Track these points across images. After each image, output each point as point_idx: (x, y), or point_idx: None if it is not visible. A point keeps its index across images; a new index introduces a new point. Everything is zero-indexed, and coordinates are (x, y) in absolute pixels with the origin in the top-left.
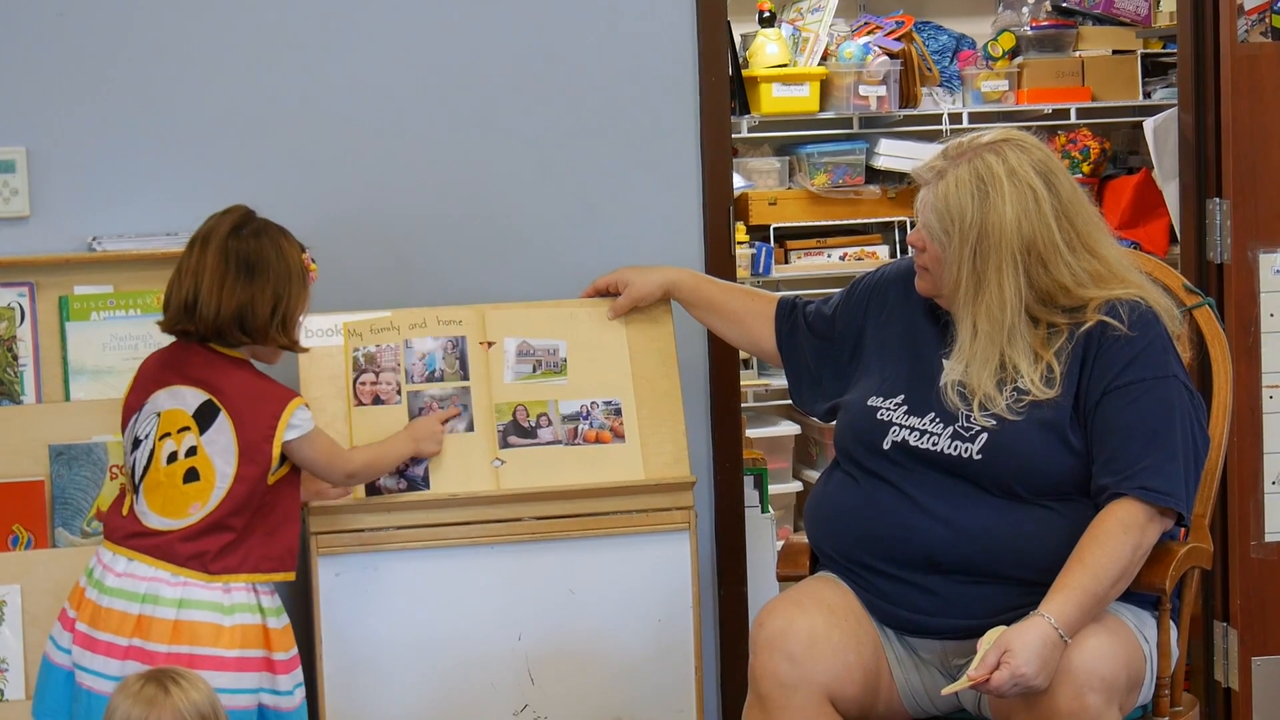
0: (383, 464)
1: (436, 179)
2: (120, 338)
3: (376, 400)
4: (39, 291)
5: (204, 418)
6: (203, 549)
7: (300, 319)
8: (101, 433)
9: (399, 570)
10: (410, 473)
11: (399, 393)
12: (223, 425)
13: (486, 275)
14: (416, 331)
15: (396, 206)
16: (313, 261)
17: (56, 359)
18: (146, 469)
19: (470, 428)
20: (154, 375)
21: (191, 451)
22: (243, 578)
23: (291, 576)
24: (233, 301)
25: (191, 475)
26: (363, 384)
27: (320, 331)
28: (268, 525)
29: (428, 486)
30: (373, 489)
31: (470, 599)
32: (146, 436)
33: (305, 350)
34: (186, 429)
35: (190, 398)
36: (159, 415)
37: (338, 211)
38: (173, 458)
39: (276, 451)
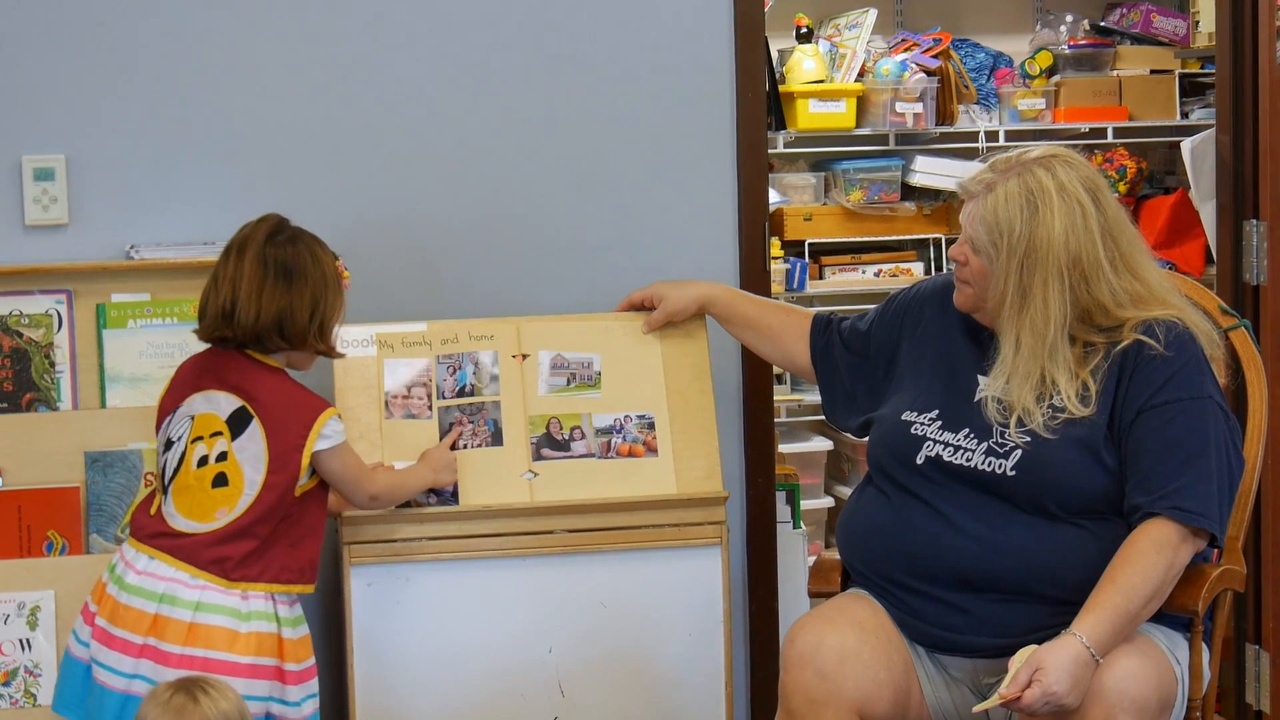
0: (404, 491)
1: (472, 191)
2: (157, 345)
3: (408, 414)
4: (76, 299)
5: (237, 424)
6: (225, 554)
7: (336, 325)
8: (137, 440)
9: (431, 581)
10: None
11: (430, 407)
12: (254, 433)
13: (521, 288)
14: (449, 345)
15: (432, 218)
16: (345, 269)
17: (93, 366)
18: (177, 471)
19: (500, 440)
20: (190, 379)
21: (222, 457)
22: (261, 587)
23: (310, 589)
24: (272, 307)
25: (220, 480)
26: (394, 398)
27: (355, 342)
28: (292, 537)
29: (456, 501)
30: (404, 501)
31: (501, 611)
32: (179, 439)
33: (342, 355)
34: (219, 434)
35: (225, 403)
36: (193, 419)
37: (373, 222)
38: (203, 461)
39: (306, 461)
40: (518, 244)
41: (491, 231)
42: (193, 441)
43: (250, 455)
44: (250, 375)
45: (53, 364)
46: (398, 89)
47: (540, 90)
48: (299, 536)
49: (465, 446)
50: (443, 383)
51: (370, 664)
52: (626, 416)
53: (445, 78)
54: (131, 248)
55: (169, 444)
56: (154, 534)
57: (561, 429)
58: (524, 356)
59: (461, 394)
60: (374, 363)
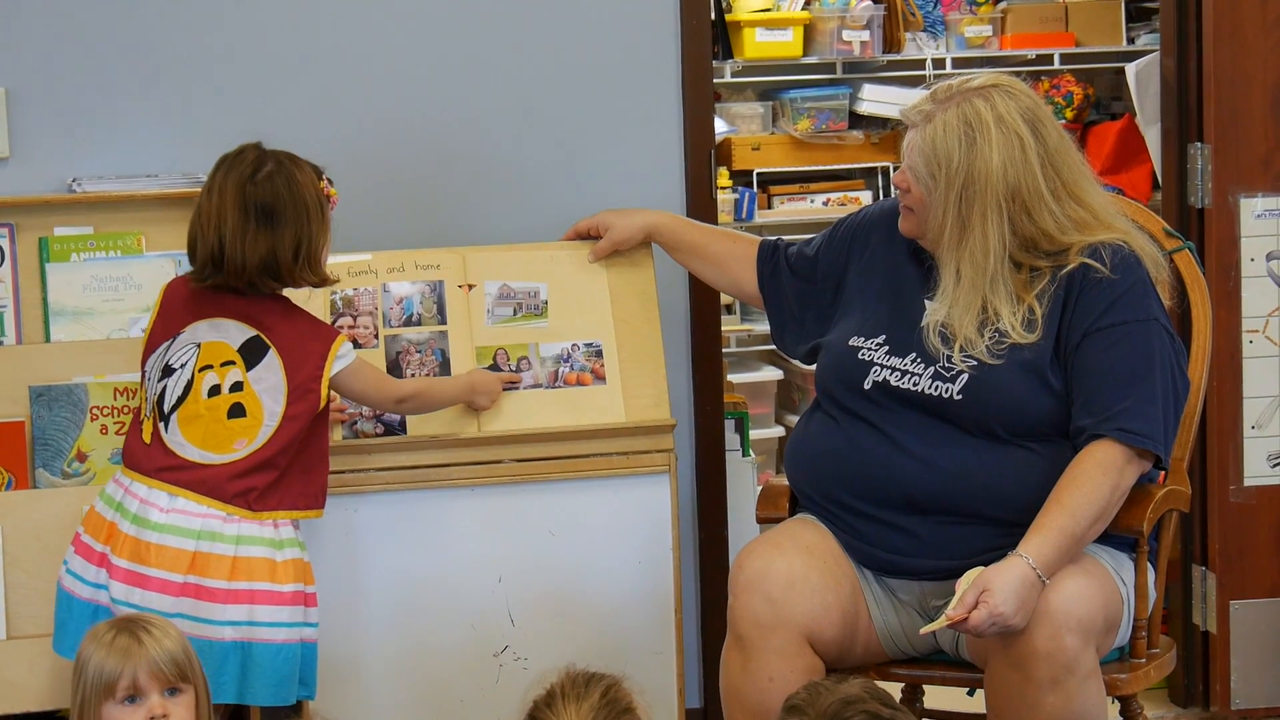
0: (433, 397)
1: (416, 121)
2: (100, 279)
3: (354, 344)
4: (19, 233)
5: (251, 353)
6: (250, 485)
7: (324, 253)
8: (82, 373)
9: (379, 512)
10: (387, 417)
11: (376, 336)
12: (272, 364)
13: (466, 218)
14: (395, 275)
15: (375, 149)
16: (331, 185)
17: (36, 300)
18: (182, 399)
19: (448, 371)
20: (190, 305)
21: (237, 387)
22: (283, 514)
23: (320, 514)
24: (256, 253)
25: (237, 411)
26: (340, 328)
27: None
28: (305, 463)
29: (404, 432)
30: (351, 432)
31: (450, 541)
32: (183, 366)
33: (336, 281)
34: (231, 363)
35: (235, 331)
36: (199, 346)
37: (316, 153)
38: (214, 391)
39: (325, 390)
40: (463, 175)
41: (436, 162)
42: (200, 370)
43: (268, 386)
44: (258, 303)
45: None
46: (340, 21)
47: (484, 19)
48: (312, 462)
49: (413, 375)
50: (389, 311)
51: (319, 597)
52: (574, 345)
53: (388, 9)
54: (74, 181)
55: (168, 370)
56: (162, 467)
57: (509, 359)
58: (470, 287)
59: (408, 324)
60: (319, 294)
